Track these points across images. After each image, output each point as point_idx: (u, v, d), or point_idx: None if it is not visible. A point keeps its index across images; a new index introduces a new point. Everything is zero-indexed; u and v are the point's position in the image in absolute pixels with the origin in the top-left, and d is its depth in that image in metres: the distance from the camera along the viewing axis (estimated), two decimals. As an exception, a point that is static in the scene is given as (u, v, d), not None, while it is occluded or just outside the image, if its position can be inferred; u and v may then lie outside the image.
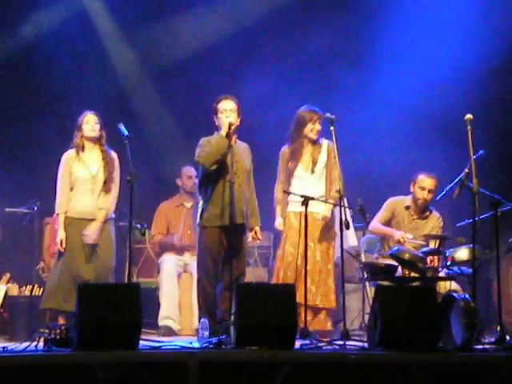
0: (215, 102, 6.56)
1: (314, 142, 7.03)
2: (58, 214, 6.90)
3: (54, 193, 6.92)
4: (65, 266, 6.76)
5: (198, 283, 6.52)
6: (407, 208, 7.23)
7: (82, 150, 6.91)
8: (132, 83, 8.89)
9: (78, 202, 6.84)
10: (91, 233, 6.78)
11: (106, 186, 6.83)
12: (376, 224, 7.19)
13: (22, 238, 8.09)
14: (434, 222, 7.20)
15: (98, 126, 6.90)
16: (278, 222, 7.02)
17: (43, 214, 8.01)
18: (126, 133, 6.46)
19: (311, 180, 7.01)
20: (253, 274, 7.92)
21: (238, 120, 6.53)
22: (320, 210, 6.92)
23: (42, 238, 8.01)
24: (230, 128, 6.42)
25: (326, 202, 6.88)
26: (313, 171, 7.01)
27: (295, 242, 6.82)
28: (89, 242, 6.78)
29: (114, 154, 6.94)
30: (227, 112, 6.49)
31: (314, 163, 7.02)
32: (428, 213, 7.24)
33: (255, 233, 6.65)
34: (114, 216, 6.95)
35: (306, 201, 6.43)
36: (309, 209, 6.46)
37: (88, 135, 6.91)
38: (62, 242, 6.78)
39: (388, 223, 7.22)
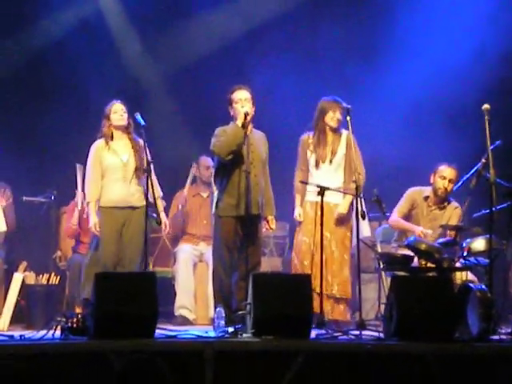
0: (229, 92, 6.56)
1: (335, 131, 7.02)
2: (88, 203, 6.91)
3: (71, 182, 6.98)
4: (99, 255, 6.76)
5: (214, 273, 6.53)
6: (426, 198, 7.17)
7: (111, 139, 6.91)
8: (146, 75, 8.88)
9: (110, 191, 6.82)
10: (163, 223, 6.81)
11: (138, 173, 6.80)
12: (396, 218, 7.13)
13: (39, 226, 8.10)
14: (451, 212, 7.15)
15: (126, 115, 6.90)
16: (298, 213, 6.99)
17: (60, 203, 8.02)
18: (142, 122, 6.48)
19: (329, 170, 6.99)
20: (268, 264, 7.95)
21: (253, 109, 6.52)
22: (336, 201, 6.92)
23: (59, 227, 8.02)
24: (245, 118, 6.40)
25: (344, 192, 6.84)
26: (331, 161, 6.99)
27: (310, 232, 6.83)
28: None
29: (142, 142, 6.83)
30: (242, 102, 6.48)
31: (333, 154, 7.01)
32: (446, 203, 7.19)
33: (268, 222, 6.63)
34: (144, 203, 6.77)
35: (321, 191, 6.38)
36: (325, 199, 6.42)
37: (117, 124, 6.90)
38: (95, 225, 6.78)
39: (408, 214, 7.17)
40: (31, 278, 7.34)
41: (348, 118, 6.45)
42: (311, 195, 6.90)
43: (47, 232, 7.94)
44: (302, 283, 5.57)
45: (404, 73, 8.31)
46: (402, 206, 7.17)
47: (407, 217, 7.17)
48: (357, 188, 6.30)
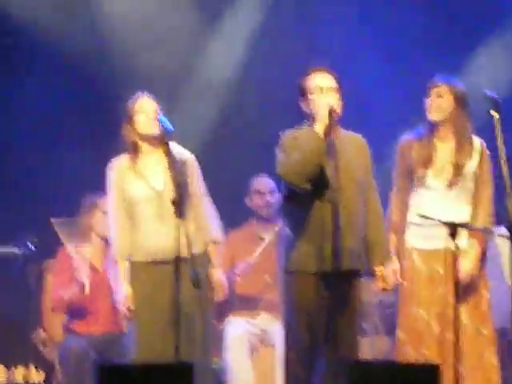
0: (302, 77, 5.60)
1: (461, 137, 6.07)
2: (116, 262, 6.03)
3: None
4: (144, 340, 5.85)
5: (286, 363, 5.60)
6: None
7: (138, 155, 5.96)
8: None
9: (141, 238, 5.95)
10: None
11: (179, 207, 5.74)
12: None
13: (10, 292, 7.50)
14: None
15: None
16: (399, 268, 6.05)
17: (41, 255, 7.34)
18: (170, 127, 5.64)
19: (447, 197, 6.08)
20: (371, 347, 7.26)
21: (341, 104, 5.51)
22: (464, 244, 5.97)
23: (41, 291, 7.31)
24: (331, 116, 5.34)
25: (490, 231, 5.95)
26: (451, 183, 6.07)
27: (425, 299, 6.06)
28: None
29: (187, 155, 5.99)
30: (324, 91, 5.48)
31: (458, 170, 6.07)
32: None
33: (377, 276, 5.64)
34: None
35: (454, 230, 5.39)
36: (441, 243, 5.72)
37: (145, 132, 5.92)
38: (127, 300, 5.89)
39: None
40: (0, 373, 6.75)
41: (495, 114, 5.34)
42: (418, 238, 6.08)
43: (22, 301, 7.24)
44: (426, 378, 4.79)
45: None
46: None
47: None
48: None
